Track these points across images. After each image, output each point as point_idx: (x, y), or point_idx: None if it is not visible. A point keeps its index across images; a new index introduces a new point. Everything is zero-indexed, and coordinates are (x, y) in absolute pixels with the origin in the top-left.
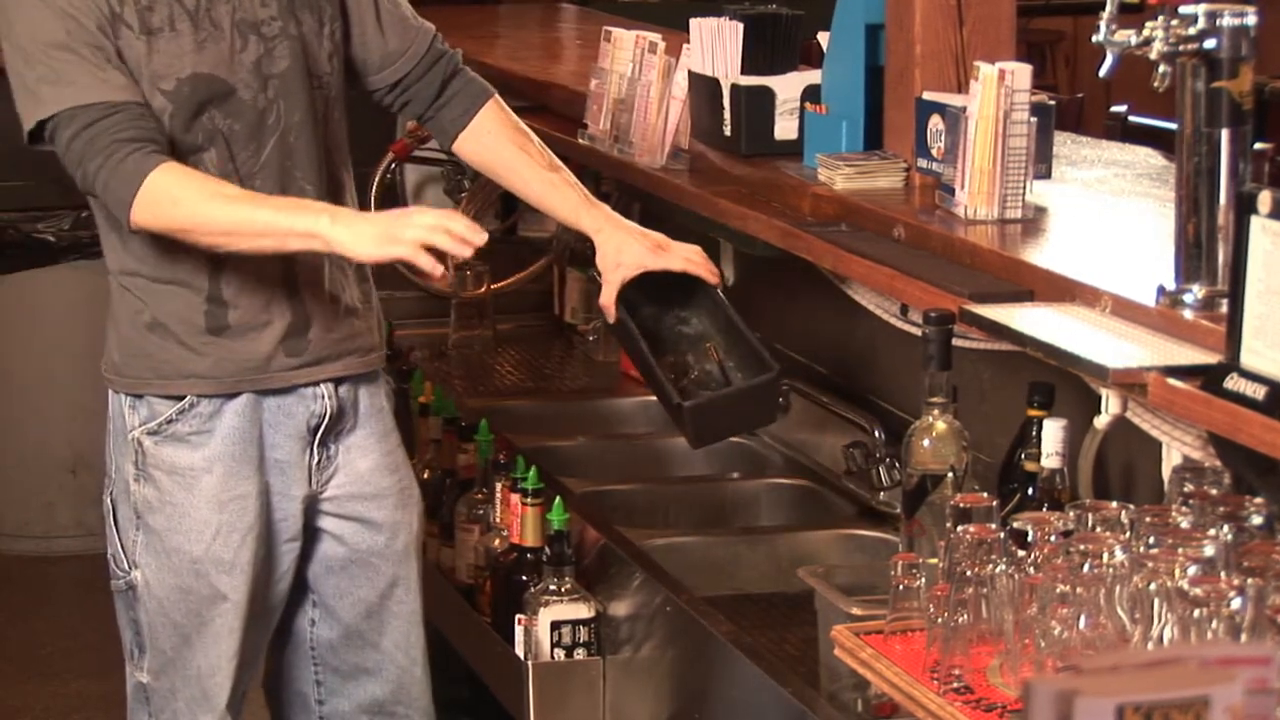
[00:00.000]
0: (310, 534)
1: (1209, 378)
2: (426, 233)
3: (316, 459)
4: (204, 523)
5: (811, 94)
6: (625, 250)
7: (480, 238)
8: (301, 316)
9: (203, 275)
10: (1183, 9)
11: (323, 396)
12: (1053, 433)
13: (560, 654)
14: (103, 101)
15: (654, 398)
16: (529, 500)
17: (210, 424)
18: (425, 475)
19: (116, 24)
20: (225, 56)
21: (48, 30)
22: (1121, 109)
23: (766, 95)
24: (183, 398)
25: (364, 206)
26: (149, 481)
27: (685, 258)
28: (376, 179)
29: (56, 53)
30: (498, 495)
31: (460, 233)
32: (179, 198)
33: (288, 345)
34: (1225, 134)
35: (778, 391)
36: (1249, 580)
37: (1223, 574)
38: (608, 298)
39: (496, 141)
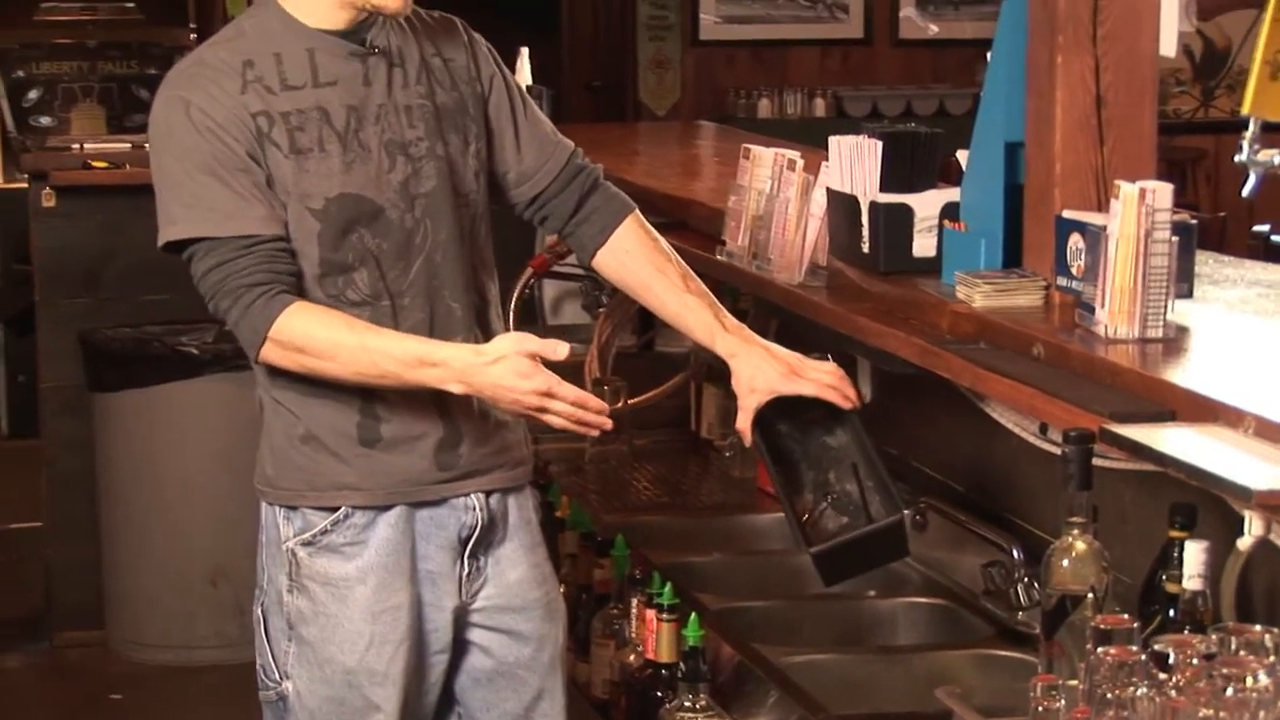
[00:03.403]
0: (458, 645)
1: None
2: (550, 419)
3: (467, 570)
4: (357, 634)
5: (950, 211)
6: (759, 375)
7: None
8: (453, 430)
9: (355, 389)
10: None
11: (474, 508)
12: (1195, 554)
13: None
14: (238, 236)
15: None
16: (665, 616)
17: (364, 535)
18: (561, 590)
19: (265, 144)
20: (373, 177)
21: (196, 152)
22: (1264, 228)
23: (905, 213)
24: (337, 509)
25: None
26: (302, 592)
27: (819, 382)
28: (515, 294)
29: (201, 176)
30: (633, 610)
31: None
32: (304, 346)
33: (440, 459)
34: None
35: (904, 531)
36: None
37: None
38: (743, 423)
39: (634, 260)
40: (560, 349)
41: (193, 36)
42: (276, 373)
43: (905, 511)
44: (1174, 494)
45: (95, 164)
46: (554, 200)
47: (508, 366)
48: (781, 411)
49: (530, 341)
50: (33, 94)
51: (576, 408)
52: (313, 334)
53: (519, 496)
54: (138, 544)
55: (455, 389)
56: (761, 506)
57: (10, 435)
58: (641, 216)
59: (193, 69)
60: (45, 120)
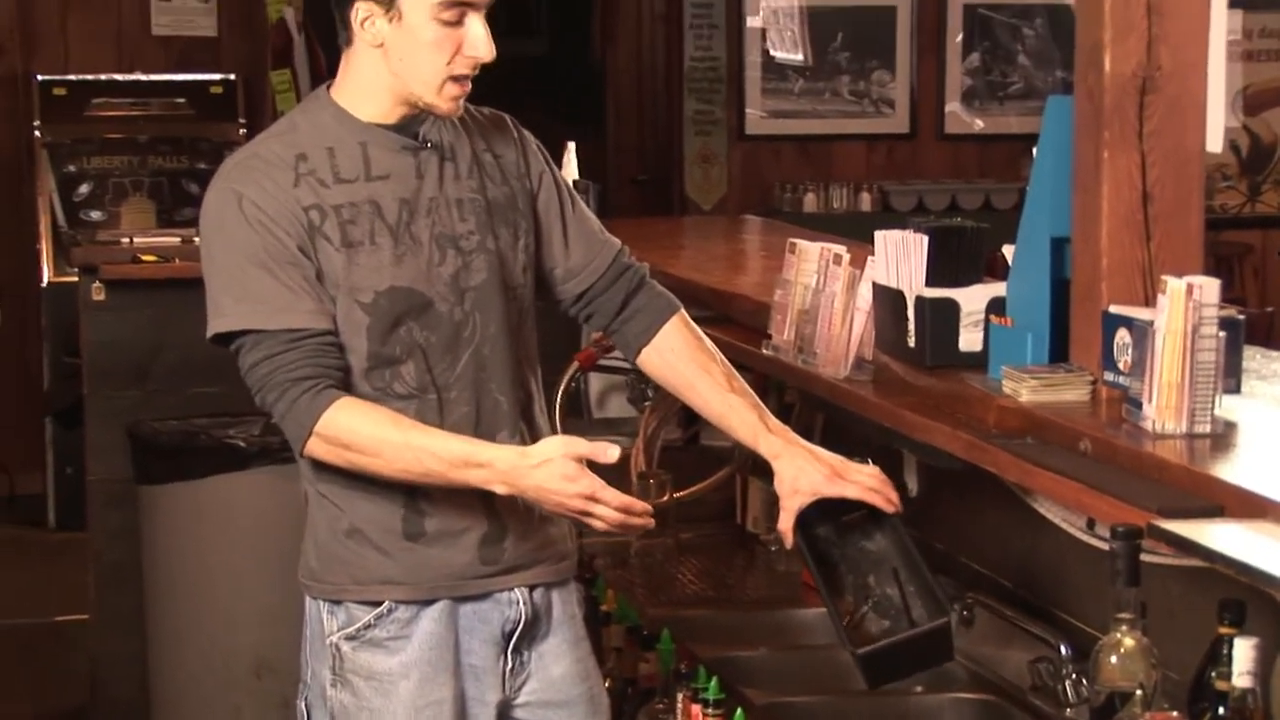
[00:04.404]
0: None
1: None
2: (594, 522)
3: (510, 665)
4: None
5: (996, 306)
6: (802, 477)
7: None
8: (497, 525)
9: (400, 483)
10: None
11: (518, 602)
12: (1244, 651)
13: None
14: (286, 329)
15: None
16: (710, 711)
17: (408, 630)
18: (607, 684)
19: (316, 237)
20: (423, 270)
21: (246, 245)
22: None
23: (951, 307)
24: (381, 603)
25: (549, 414)
26: (346, 687)
27: (862, 485)
28: (561, 388)
29: (251, 269)
30: (679, 705)
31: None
32: (349, 442)
33: (483, 553)
34: None
35: (950, 633)
36: None
37: None
38: (785, 524)
39: (678, 359)
40: (611, 452)
41: (242, 131)
42: (322, 466)
43: (950, 615)
44: (1223, 590)
45: (144, 258)
46: (600, 298)
47: (553, 469)
48: (821, 514)
49: (579, 445)
50: (84, 188)
51: (621, 512)
52: (358, 430)
53: (563, 591)
54: (183, 636)
55: (499, 490)
56: (807, 601)
57: (57, 528)
58: (687, 315)
59: (246, 161)
60: (95, 214)
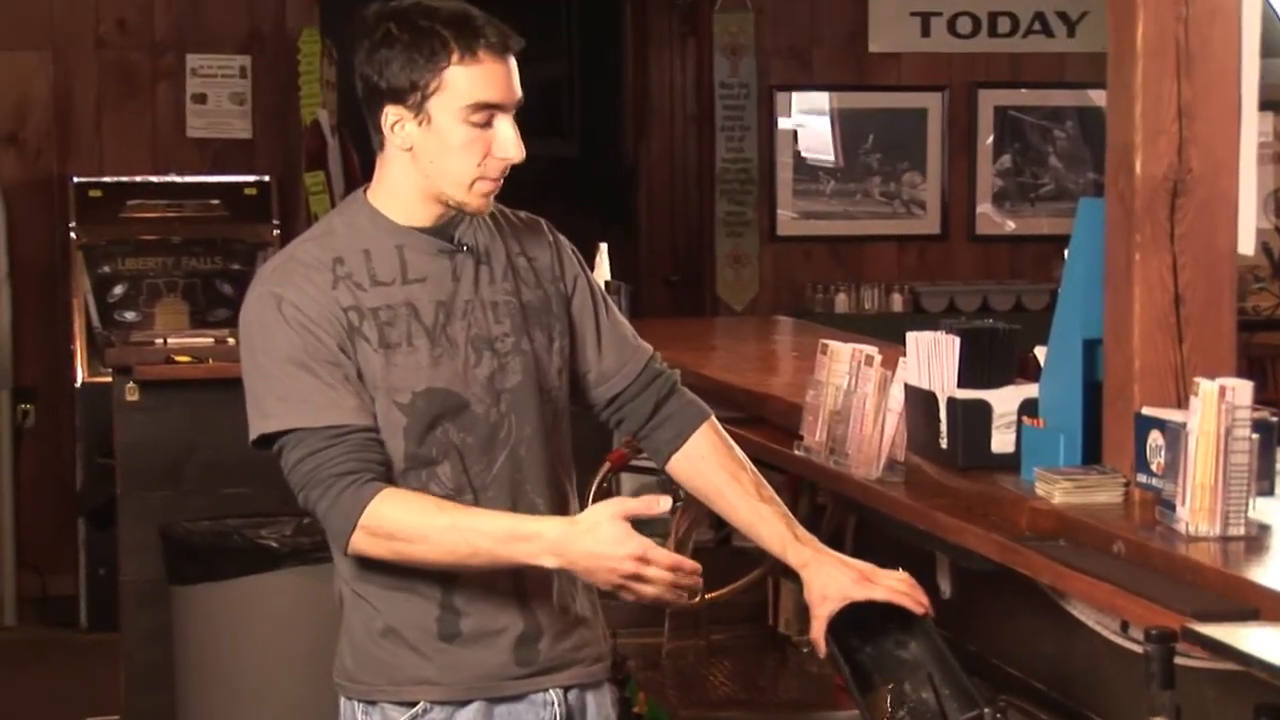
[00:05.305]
0: None
1: None
2: (644, 588)
3: None
4: None
5: (1029, 408)
6: (832, 583)
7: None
8: (533, 626)
9: (435, 583)
10: None
11: (552, 703)
12: None
13: None
14: (329, 426)
15: None
16: None
17: None
18: None
19: (355, 338)
20: (459, 372)
21: (287, 346)
22: None
23: (983, 409)
24: (415, 704)
25: None
26: None
27: (891, 588)
28: (593, 488)
29: (292, 369)
30: None
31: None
32: (394, 531)
33: (519, 654)
34: None
35: None
36: None
37: None
38: (817, 632)
39: (708, 466)
40: (663, 503)
41: (276, 233)
42: (358, 565)
43: (986, 710)
44: (1258, 694)
45: (178, 358)
46: (631, 403)
47: (603, 533)
48: (853, 622)
49: (626, 504)
50: (118, 289)
51: (670, 571)
52: (402, 519)
53: (597, 693)
54: None
55: (549, 562)
56: (840, 703)
57: (89, 628)
58: (717, 423)
59: (284, 265)
60: (130, 315)
